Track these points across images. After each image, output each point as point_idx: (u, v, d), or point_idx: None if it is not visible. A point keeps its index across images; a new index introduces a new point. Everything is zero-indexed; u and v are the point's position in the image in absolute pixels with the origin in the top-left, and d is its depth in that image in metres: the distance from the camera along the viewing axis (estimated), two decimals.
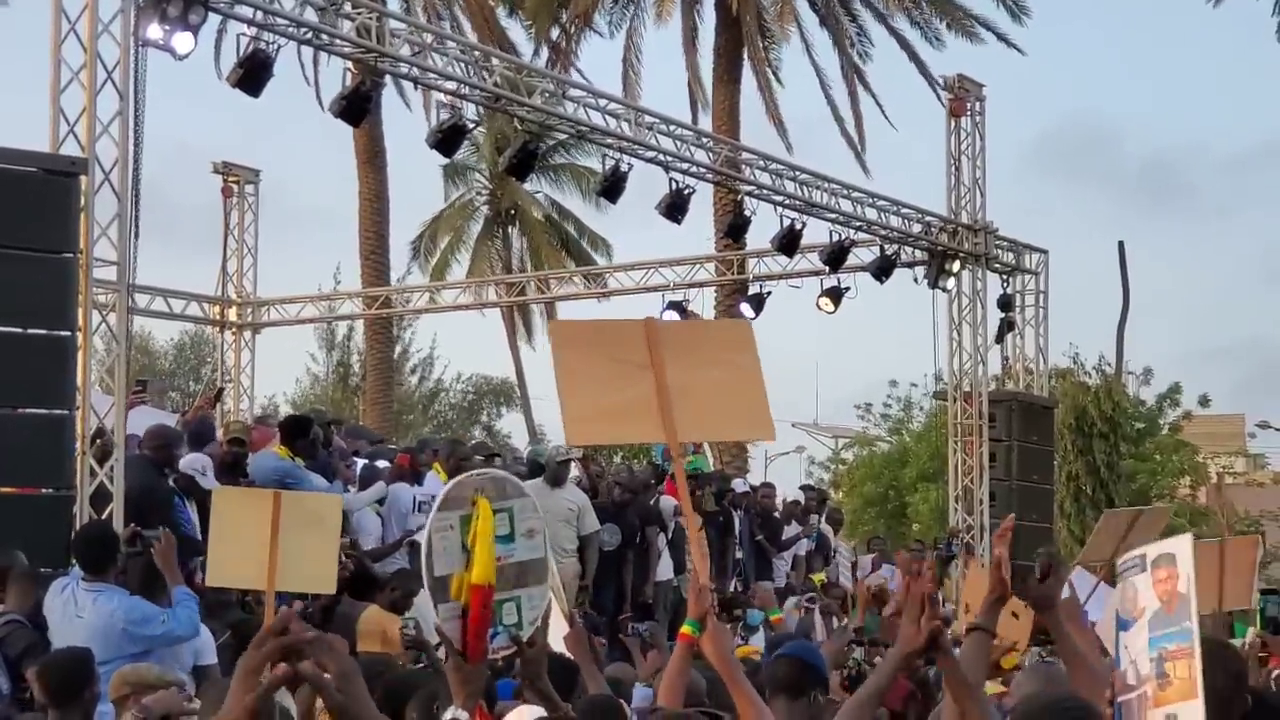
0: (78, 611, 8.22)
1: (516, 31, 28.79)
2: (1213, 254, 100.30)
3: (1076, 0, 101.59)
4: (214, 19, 13.93)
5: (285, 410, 33.83)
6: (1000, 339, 21.04)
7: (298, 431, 12.58)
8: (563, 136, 36.01)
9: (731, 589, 16.63)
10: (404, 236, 38.20)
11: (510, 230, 40.02)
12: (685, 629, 5.33)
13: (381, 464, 14.08)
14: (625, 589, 15.01)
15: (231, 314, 22.08)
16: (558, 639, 8.12)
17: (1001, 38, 26.55)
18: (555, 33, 28.00)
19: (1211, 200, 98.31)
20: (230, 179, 21.80)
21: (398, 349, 38.29)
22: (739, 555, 16.86)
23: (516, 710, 5.11)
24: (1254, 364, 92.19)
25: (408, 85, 26.45)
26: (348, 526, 12.14)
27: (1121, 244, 36.84)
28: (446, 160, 15.67)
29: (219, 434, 14.85)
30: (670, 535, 15.69)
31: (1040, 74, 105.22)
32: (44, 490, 10.68)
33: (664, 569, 15.60)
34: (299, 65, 27.74)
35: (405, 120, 29.87)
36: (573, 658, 7.04)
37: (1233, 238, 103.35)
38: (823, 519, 18.80)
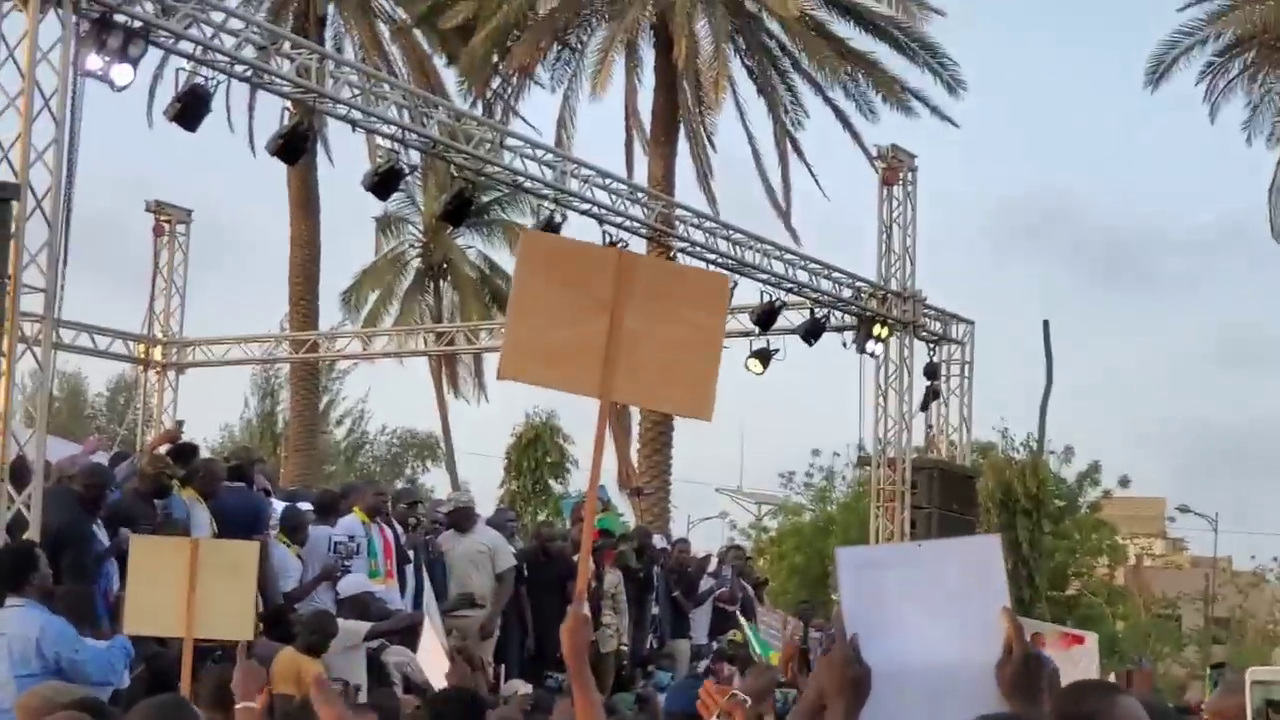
0: (1, 628, 8.21)
1: (453, 83, 28.90)
2: (1161, 334, 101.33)
3: (1047, 75, 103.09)
4: (153, 57, 13.92)
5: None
6: (925, 406, 21.26)
7: (179, 458, 12.50)
8: (500, 192, 36.41)
9: (649, 645, 16.65)
10: (334, 285, 38.11)
11: (441, 284, 40.04)
12: None
13: (304, 505, 14.00)
14: (527, 630, 14.93)
15: (156, 353, 21.94)
16: (438, 675, 8.16)
17: (935, 110, 26.75)
18: (496, 82, 28.10)
19: (1165, 281, 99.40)
20: (163, 218, 21.76)
21: (325, 398, 38.12)
22: (655, 611, 16.87)
23: None
24: (1191, 447, 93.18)
25: (344, 137, 26.30)
26: (269, 568, 12.08)
27: (1046, 323, 37.22)
28: (382, 202, 15.61)
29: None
30: (593, 589, 15.72)
31: (1003, 146, 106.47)
32: None
33: None
34: (227, 108, 27.69)
35: (341, 171, 29.92)
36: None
37: (1181, 319, 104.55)
38: (741, 579, 18.85)
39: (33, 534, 10.79)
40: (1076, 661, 18.93)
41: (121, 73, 11.99)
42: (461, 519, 14.51)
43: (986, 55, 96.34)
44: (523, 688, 12.83)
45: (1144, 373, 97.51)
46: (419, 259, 40.22)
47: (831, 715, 3.37)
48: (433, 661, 8.44)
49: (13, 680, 7.66)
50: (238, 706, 5.97)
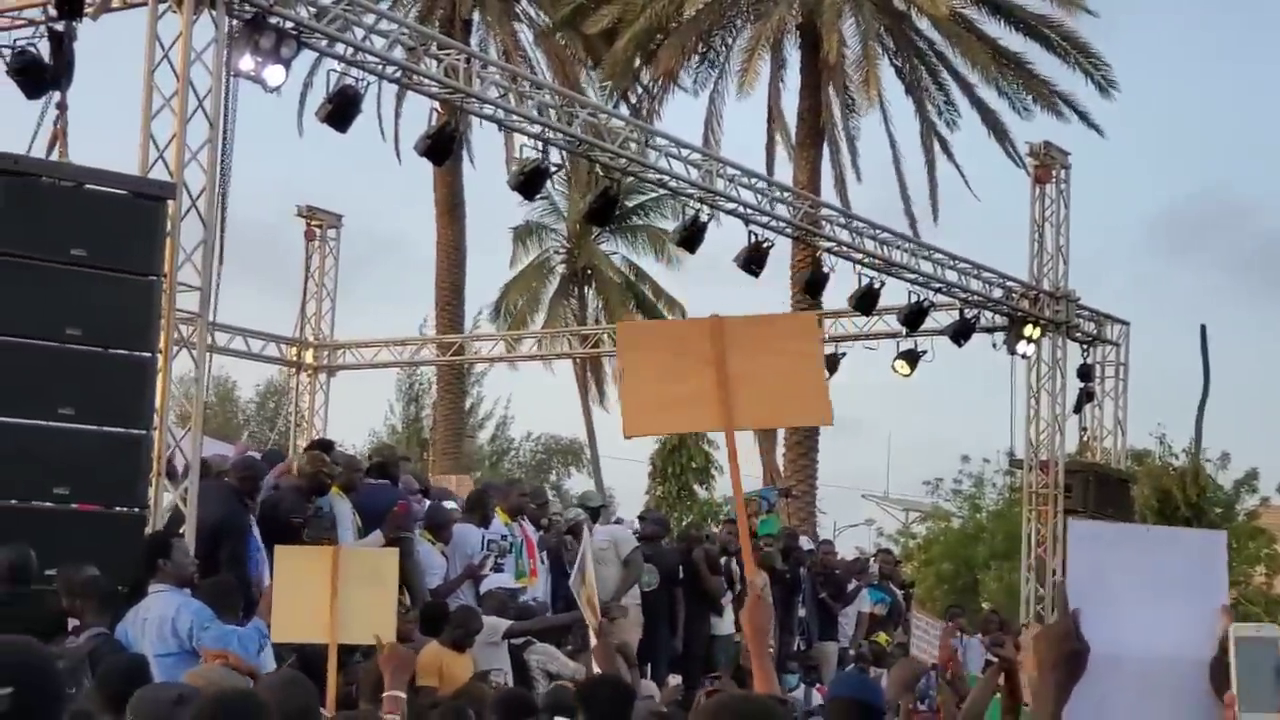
0: (144, 614, 8.49)
1: (596, 88, 28.96)
2: None
3: (1219, 71, 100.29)
4: (304, 65, 14.09)
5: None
6: (1079, 409, 20.85)
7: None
8: (643, 196, 36.46)
9: (795, 647, 16.52)
10: (475, 294, 38.40)
11: (586, 290, 40.17)
12: None
13: (449, 504, 14.10)
14: (676, 631, 14.92)
15: (308, 356, 22.23)
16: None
17: (1083, 117, 26.11)
18: (638, 91, 28.16)
19: None
20: (314, 223, 22.05)
21: (468, 401, 38.43)
22: (802, 613, 16.74)
23: None
24: None
25: (487, 148, 26.47)
26: (414, 564, 12.18)
27: (1203, 328, 36.32)
28: (528, 201, 15.68)
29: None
30: (736, 592, 15.68)
31: (1170, 145, 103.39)
32: (118, 509, 10.73)
33: (727, 624, 15.56)
34: (379, 115, 28.08)
35: (482, 183, 30.20)
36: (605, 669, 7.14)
37: None
38: (890, 582, 18.69)
39: (189, 528, 10.98)
40: None
41: (274, 74, 12.13)
42: (577, 531, 14.62)
43: (1157, 51, 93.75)
44: (653, 689, 12.79)
45: None
46: (563, 265, 40.39)
47: (1044, 687, 3.27)
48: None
49: (154, 660, 7.81)
50: (386, 694, 6.01)
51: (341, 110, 13.05)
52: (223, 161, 11.80)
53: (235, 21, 11.86)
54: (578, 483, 48.51)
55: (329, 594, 7.62)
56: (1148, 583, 3.40)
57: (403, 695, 6.05)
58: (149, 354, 10.84)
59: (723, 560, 15.56)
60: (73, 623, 8.76)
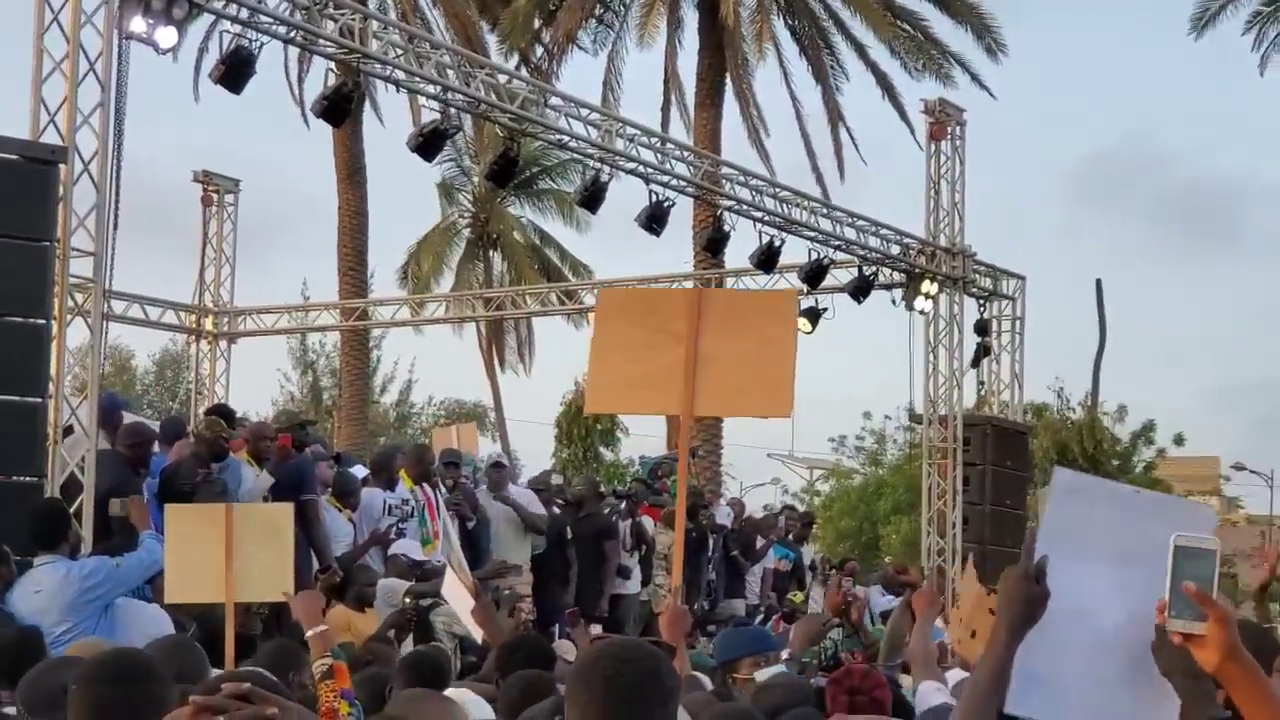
0: (34, 587, 8.35)
1: (495, 49, 28.81)
2: (1246, 291, 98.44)
3: (1132, 23, 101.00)
4: (200, 30, 13.89)
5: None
6: (976, 363, 21.10)
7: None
8: (551, 162, 36.33)
9: (701, 606, 16.64)
10: (384, 252, 38.10)
11: (492, 254, 40.02)
12: None
13: (359, 470, 14.03)
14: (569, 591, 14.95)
15: (208, 323, 22.01)
16: (464, 613, 8.17)
17: (975, 79, 26.54)
18: (538, 51, 28.08)
19: (1249, 236, 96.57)
20: (210, 188, 21.80)
21: (371, 365, 38.19)
22: (711, 575, 16.85)
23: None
24: (1268, 406, 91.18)
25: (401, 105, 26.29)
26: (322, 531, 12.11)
27: (1099, 282, 36.99)
28: (427, 163, 15.56)
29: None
30: (643, 551, 15.76)
31: (1090, 99, 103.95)
32: (14, 478, 10.60)
33: (634, 584, 15.65)
34: (289, 79, 27.78)
35: (393, 138, 29.77)
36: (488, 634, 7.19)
37: (1264, 275, 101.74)
38: (801, 543, 18.89)
39: (88, 496, 10.87)
40: None
41: (165, 35, 11.98)
42: (493, 479, 14.56)
43: (1080, 3, 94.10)
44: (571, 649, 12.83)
45: (1225, 329, 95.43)
46: (469, 228, 40.19)
47: (998, 628, 3.24)
48: (457, 598, 8.41)
49: (66, 633, 7.74)
50: (309, 634, 6.01)
51: (235, 71, 12.93)
52: (116, 125, 11.63)
53: None
54: (483, 446, 48.39)
55: (224, 553, 7.57)
56: (1127, 544, 3.31)
57: (325, 627, 6.04)
58: (43, 321, 10.72)
59: (627, 523, 15.60)
60: None
